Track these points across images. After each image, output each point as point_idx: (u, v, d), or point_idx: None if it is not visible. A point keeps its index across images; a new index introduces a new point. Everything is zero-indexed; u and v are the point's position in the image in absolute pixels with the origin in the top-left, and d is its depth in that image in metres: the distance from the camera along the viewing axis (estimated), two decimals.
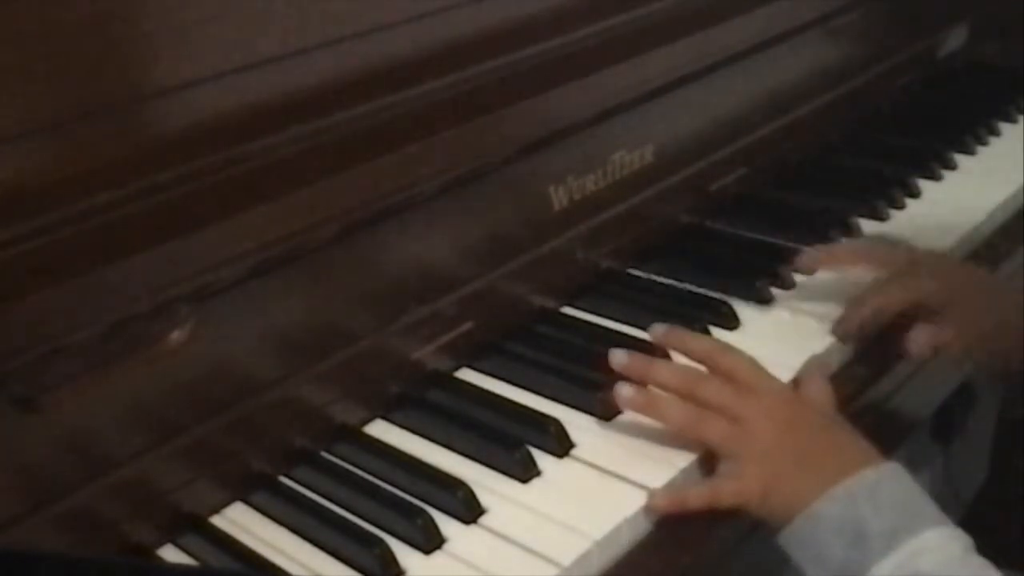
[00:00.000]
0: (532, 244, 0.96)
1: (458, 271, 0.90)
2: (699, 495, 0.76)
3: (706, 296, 0.99)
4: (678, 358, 0.87)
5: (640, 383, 0.82)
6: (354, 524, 0.76)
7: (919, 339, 0.90)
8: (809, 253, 1.00)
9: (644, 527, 0.76)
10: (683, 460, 0.79)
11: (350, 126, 0.80)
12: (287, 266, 0.77)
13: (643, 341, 0.93)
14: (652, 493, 0.76)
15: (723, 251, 1.09)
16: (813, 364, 0.89)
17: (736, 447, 0.77)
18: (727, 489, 0.76)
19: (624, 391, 0.81)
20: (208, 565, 0.74)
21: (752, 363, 0.82)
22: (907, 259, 0.97)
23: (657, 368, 0.83)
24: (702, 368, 0.83)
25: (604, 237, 1.02)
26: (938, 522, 0.72)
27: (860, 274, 0.99)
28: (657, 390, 0.82)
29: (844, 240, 1.07)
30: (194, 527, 0.76)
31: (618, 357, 0.83)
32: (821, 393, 0.84)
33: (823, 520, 0.72)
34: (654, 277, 1.04)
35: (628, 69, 0.98)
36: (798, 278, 1.02)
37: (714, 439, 0.78)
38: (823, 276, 1.03)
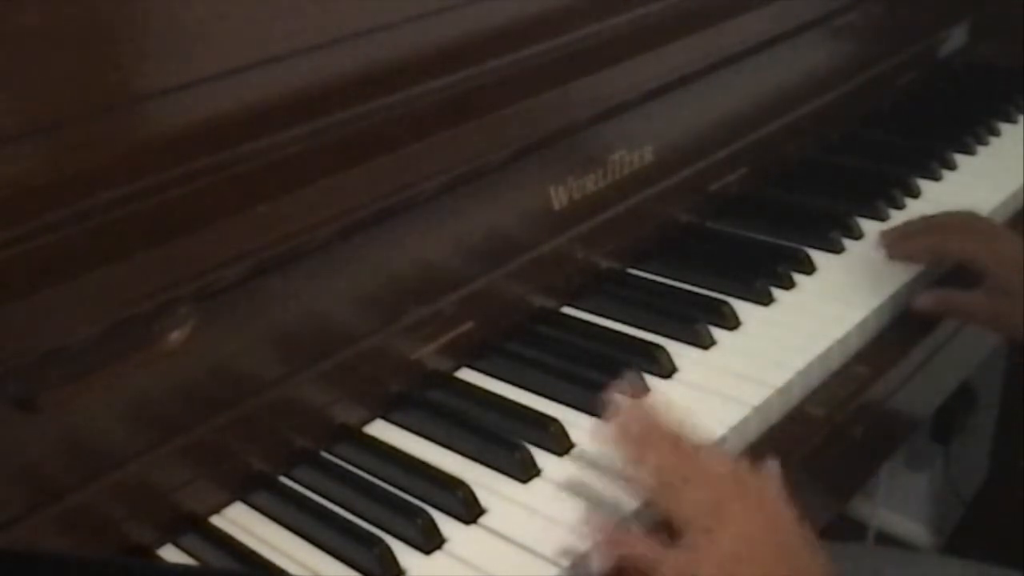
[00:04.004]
0: (532, 244, 0.96)
1: (458, 271, 0.90)
2: (640, 551, 0.69)
3: (706, 296, 0.99)
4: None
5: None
6: (354, 524, 0.76)
7: (927, 298, 0.95)
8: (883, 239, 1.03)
9: (642, 526, 0.76)
10: None
11: (350, 126, 0.79)
12: (287, 266, 0.77)
13: (643, 341, 0.93)
14: (591, 518, 0.71)
15: (723, 251, 1.09)
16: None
17: (702, 530, 0.67)
18: (672, 561, 0.67)
19: (624, 414, 0.72)
20: (208, 565, 0.74)
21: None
22: (962, 221, 1.00)
23: (658, 409, 0.73)
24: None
25: (604, 237, 1.02)
26: None
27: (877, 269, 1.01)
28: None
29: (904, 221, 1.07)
30: (194, 527, 0.76)
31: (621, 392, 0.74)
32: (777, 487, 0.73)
33: None
34: (654, 277, 1.04)
35: (628, 69, 0.98)
36: (798, 278, 1.02)
37: (690, 507, 0.68)
38: (824, 277, 1.03)
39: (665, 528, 0.69)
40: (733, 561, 0.67)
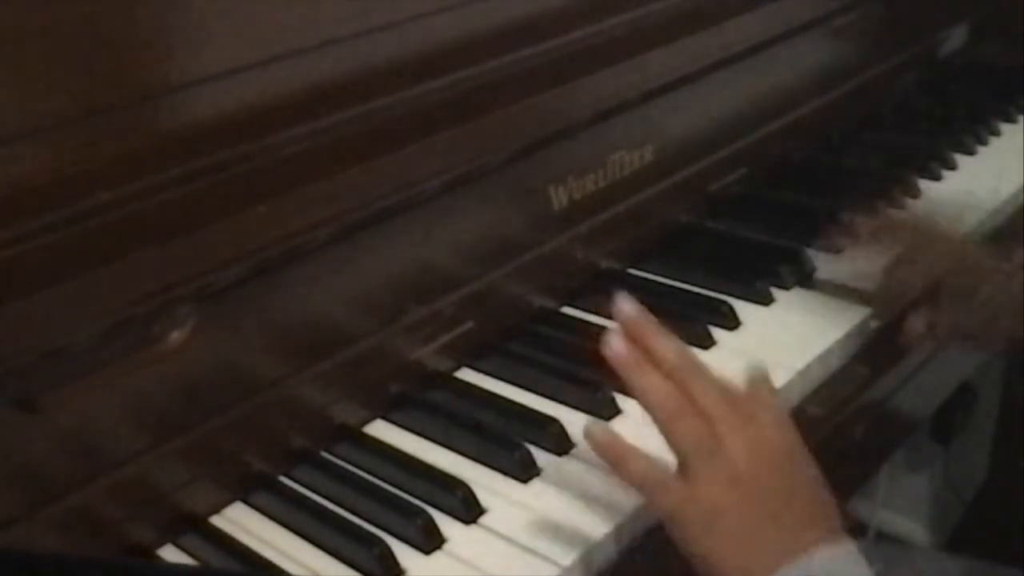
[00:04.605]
0: (532, 244, 0.96)
1: (458, 271, 0.90)
2: (638, 471, 0.70)
3: (706, 296, 0.99)
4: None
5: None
6: (354, 524, 0.76)
7: (916, 325, 0.92)
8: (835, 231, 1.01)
9: (643, 526, 0.76)
10: None
11: (350, 126, 0.79)
12: (287, 266, 0.77)
13: None
14: (593, 430, 0.72)
15: (723, 251, 1.09)
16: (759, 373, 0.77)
17: (702, 461, 0.69)
18: (671, 488, 0.69)
19: (616, 342, 0.72)
20: (208, 565, 0.74)
21: (757, 378, 0.74)
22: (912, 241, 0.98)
23: (659, 337, 0.73)
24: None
25: (604, 237, 1.02)
26: None
27: (867, 270, 0.99)
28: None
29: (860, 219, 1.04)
30: (194, 527, 0.76)
31: (625, 306, 0.74)
32: (783, 417, 0.74)
33: None
34: (654, 277, 1.04)
35: (628, 69, 0.98)
36: (798, 278, 1.02)
37: (684, 440, 0.69)
38: (824, 276, 1.03)
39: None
40: (731, 484, 0.68)
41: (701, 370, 0.73)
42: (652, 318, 0.74)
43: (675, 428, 0.70)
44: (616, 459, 0.71)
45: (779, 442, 0.71)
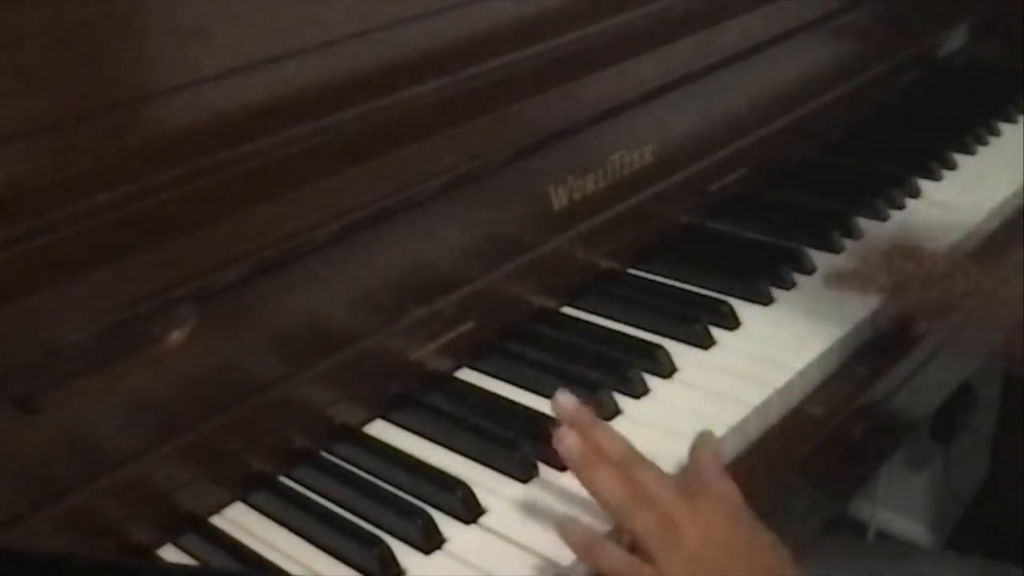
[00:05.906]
0: (532, 244, 0.96)
1: (458, 271, 0.90)
2: (612, 560, 0.71)
3: (706, 296, 0.99)
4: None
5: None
6: (354, 524, 0.76)
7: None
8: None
9: None
10: (682, 462, 0.79)
11: (350, 126, 0.80)
12: (287, 266, 0.77)
13: (643, 341, 0.93)
14: (569, 530, 0.72)
15: (723, 251, 1.09)
16: (705, 440, 0.79)
17: (664, 548, 0.70)
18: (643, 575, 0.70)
19: (569, 439, 0.73)
20: (208, 565, 0.74)
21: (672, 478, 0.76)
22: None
23: (603, 430, 0.76)
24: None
25: (604, 237, 1.02)
26: None
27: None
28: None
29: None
30: (194, 527, 0.76)
31: (564, 400, 0.76)
32: (728, 486, 0.75)
33: None
34: (654, 277, 1.04)
35: (628, 69, 0.98)
36: (798, 278, 1.02)
37: (645, 531, 0.70)
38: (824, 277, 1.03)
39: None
40: (693, 564, 0.70)
41: (647, 462, 0.74)
42: (589, 412, 0.76)
43: (635, 520, 0.71)
44: (588, 549, 0.72)
45: (725, 520, 0.73)
